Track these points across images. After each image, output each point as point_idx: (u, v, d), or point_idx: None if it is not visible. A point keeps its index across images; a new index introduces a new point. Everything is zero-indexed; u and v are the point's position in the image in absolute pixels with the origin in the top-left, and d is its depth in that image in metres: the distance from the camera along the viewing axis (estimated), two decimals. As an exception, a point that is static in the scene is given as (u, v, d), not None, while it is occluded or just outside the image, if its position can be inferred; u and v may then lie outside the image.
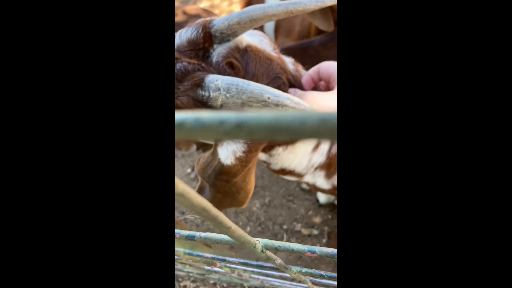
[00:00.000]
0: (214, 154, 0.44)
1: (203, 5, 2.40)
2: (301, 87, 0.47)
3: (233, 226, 0.21)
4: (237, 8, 2.35)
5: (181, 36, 0.39)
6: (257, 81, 0.40)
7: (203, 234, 0.28)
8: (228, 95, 0.35)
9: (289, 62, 0.48)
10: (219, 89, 0.35)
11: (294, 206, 1.22)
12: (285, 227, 1.18)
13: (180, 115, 0.10)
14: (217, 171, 0.43)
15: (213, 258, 0.43)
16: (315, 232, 1.15)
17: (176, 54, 0.38)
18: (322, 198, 1.20)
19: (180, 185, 0.14)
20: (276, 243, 0.27)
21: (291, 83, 0.45)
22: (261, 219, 1.21)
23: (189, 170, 1.39)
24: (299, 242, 1.15)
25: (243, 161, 0.42)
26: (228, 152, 0.42)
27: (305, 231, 1.16)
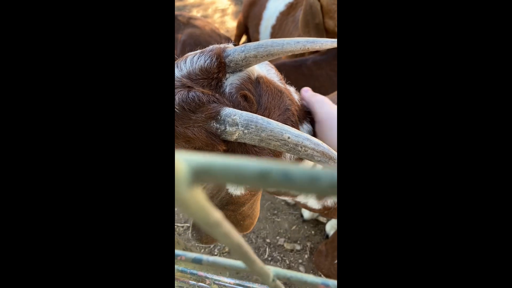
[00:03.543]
0: (221, 186, 0.43)
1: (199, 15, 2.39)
2: (304, 115, 0.47)
3: (257, 259, 0.20)
4: (229, 19, 2.35)
5: (193, 63, 0.38)
6: (269, 114, 0.39)
7: (211, 258, 0.27)
8: (246, 131, 0.34)
9: (293, 91, 0.48)
10: (236, 124, 0.35)
11: (278, 220, 1.21)
12: (268, 240, 1.17)
13: (265, 165, 0.09)
14: (224, 202, 0.42)
15: (207, 278, 0.41)
16: (298, 247, 1.15)
17: (188, 82, 0.37)
18: (307, 213, 1.20)
19: (226, 225, 0.13)
20: (288, 273, 0.26)
21: (298, 113, 0.45)
22: (244, 231, 1.19)
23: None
24: (281, 257, 1.14)
25: (253, 190, 0.42)
26: None
27: (287, 246, 1.15)
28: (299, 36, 1.36)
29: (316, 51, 1.26)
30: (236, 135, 0.35)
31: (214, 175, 0.09)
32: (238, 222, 0.45)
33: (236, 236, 0.15)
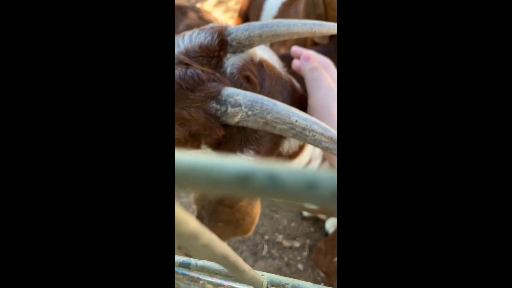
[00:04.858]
0: None
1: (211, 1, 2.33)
2: (306, 104, 0.44)
3: (247, 268, 0.18)
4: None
5: (192, 39, 0.35)
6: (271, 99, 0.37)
7: (200, 262, 0.25)
8: (250, 112, 0.32)
9: (294, 81, 0.45)
10: (239, 105, 0.32)
11: (277, 216, 1.19)
12: (266, 237, 1.15)
13: (244, 165, 0.07)
14: (220, 197, 0.40)
15: (200, 279, 0.39)
16: (297, 244, 1.13)
17: (186, 59, 0.34)
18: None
19: (206, 235, 0.11)
20: (283, 279, 0.24)
21: (300, 102, 0.42)
22: (242, 228, 1.17)
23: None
24: (279, 254, 1.12)
25: None
26: None
27: (286, 243, 1.13)
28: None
29: (317, 44, 1.23)
30: (239, 117, 0.33)
31: (179, 179, 0.07)
32: (238, 221, 0.43)
33: (220, 246, 0.13)
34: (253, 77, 0.36)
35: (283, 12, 1.43)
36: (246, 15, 1.63)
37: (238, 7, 2.27)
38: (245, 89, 0.35)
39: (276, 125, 0.32)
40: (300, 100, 0.43)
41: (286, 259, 1.11)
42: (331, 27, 0.36)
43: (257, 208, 0.46)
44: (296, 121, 0.32)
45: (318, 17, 1.15)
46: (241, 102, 0.32)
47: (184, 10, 1.28)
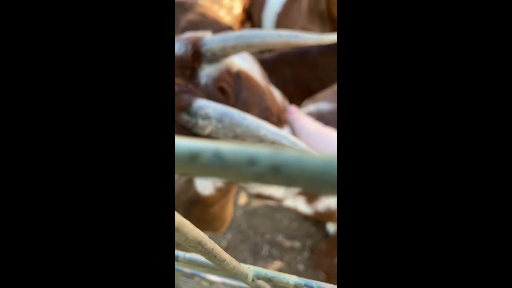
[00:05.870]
0: (190, 182, 0.41)
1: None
2: (285, 118, 0.45)
3: (228, 258, 0.18)
4: (237, 5, 2.31)
5: None
6: (248, 110, 0.37)
7: (188, 255, 0.25)
8: (219, 125, 0.33)
9: (276, 93, 0.46)
10: (209, 118, 0.33)
11: (278, 215, 1.20)
12: (267, 236, 1.15)
13: (195, 145, 0.07)
14: (193, 200, 0.41)
15: (194, 275, 0.40)
16: (297, 244, 1.13)
17: None
18: (307, 210, 1.18)
19: (176, 220, 0.11)
20: (269, 273, 0.24)
21: (279, 115, 0.42)
22: (242, 227, 1.18)
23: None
24: (280, 253, 1.12)
25: (223, 191, 0.40)
26: (207, 183, 0.39)
27: (287, 243, 1.13)
28: (303, 26, 1.32)
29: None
30: (209, 129, 0.33)
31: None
32: (207, 222, 0.44)
33: (193, 232, 0.13)
34: (227, 88, 0.36)
35: (288, 9, 1.43)
36: (249, 12, 1.63)
37: (232, 4, 2.26)
38: (219, 100, 0.36)
39: (245, 139, 0.33)
40: (279, 112, 0.43)
41: (286, 259, 1.11)
42: (307, 39, 0.36)
43: (228, 213, 0.46)
44: (265, 135, 0.33)
45: (321, 14, 1.15)
46: (211, 115, 0.33)
47: (185, 6, 1.28)
